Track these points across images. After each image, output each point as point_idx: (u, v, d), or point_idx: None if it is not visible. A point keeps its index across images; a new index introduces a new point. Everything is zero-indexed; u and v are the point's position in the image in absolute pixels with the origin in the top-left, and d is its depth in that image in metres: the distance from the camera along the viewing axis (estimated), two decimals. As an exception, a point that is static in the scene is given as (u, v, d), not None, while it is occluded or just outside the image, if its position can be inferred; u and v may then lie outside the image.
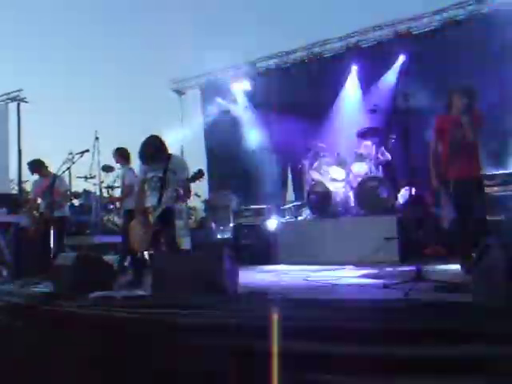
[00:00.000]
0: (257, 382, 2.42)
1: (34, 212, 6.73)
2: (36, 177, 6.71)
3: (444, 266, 4.93)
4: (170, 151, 4.79)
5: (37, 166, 6.55)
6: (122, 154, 6.19)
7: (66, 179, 7.19)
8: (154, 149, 4.65)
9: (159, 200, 4.64)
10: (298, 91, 9.34)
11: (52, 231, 6.18)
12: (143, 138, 4.68)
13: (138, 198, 4.86)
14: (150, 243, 4.68)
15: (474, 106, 4.42)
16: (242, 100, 10.44)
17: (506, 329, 2.21)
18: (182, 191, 4.66)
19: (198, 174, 4.49)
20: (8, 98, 10.64)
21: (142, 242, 4.70)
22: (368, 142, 7.64)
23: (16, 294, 4.22)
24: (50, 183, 6.23)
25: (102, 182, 9.52)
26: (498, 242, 2.65)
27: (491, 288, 2.71)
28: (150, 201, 4.72)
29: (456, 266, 4.43)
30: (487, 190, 5.97)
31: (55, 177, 6.30)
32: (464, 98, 4.40)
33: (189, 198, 5.28)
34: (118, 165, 6.55)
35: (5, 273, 5.73)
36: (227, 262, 3.69)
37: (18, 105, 10.60)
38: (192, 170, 4.65)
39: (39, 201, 6.68)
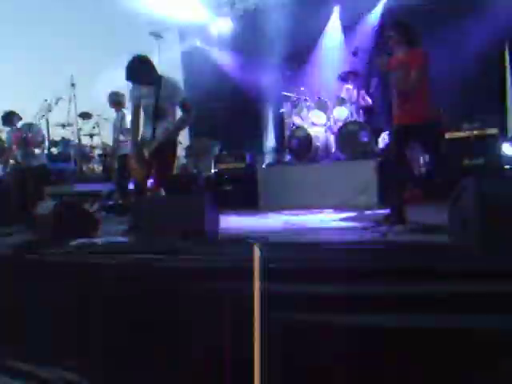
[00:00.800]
0: (240, 325, 2.48)
1: (11, 161, 6.63)
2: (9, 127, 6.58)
3: (421, 208, 5.01)
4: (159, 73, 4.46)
5: (10, 117, 6.41)
6: (116, 99, 6.06)
7: (43, 127, 7.05)
8: (141, 67, 4.34)
9: (153, 133, 4.37)
10: (279, 34, 9.12)
11: (30, 180, 6.12)
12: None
13: (133, 128, 4.54)
14: (144, 178, 4.52)
15: (408, 44, 4.03)
16: (220, 43, 10.18)
17: (479, 267, 2.28)
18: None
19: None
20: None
21: (137, 176, 4.54)
22: (349, 86, 7.57)
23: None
24: (25, 132, 6.11)
25: (80, 130, 9.37)
26: (473, 184, 2.70)
27: (466, 229, 2.78)
28: (146, 132, 4.47)
29: (432, 209, 4.51)
30: (466, 133, 6.03)
31: (30, 126, 6.17)
32: (391, 34, 4.06)
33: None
34: (113, 110, 6.40)
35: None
36: (208, 207, 3.70)
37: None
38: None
39: (15, 150, 6.56)
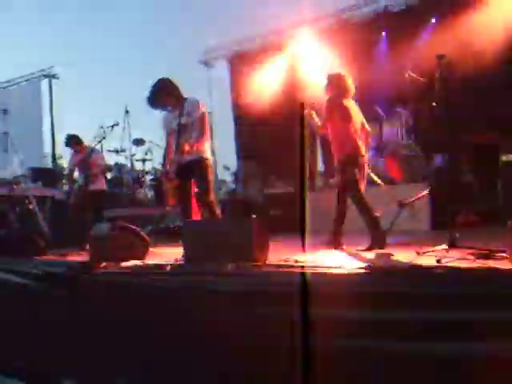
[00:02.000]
0: (290, 350, 2.45)
1: (74, 186, 6.79)
2: (71, 150, 6.81)
3: (475, 232, 4.84)
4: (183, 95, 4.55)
5: (73, 140, 6.63)
6: None
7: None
8: (162, 90, 4.46)
9: (176, 149, 4.44)
10: (326, 58, 9.16)
11: (90, 204, 6.28)
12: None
13: (166, 151, 4.67)
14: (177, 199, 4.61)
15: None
16: (269, 70, 10.31)
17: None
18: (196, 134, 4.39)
19: None
20: (41, 75, 10.83)
21: (170, 198, 4.68)
22: (399, 108, 7.50)
23: (55, 264, 4.35)
24: (87, 156, 6.29)
25: (133, 156, 9.68)
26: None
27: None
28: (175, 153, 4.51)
29: (487, 233, 4.36)
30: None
31: (92, 150, 6.35)
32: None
33: (205, 140, 4.57)
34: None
35: (43, 245, 5.90)
36: (257, 230, 3.71)
37: (50, 81, 10.78)
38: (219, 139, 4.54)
39: (76, 174, 6.76)
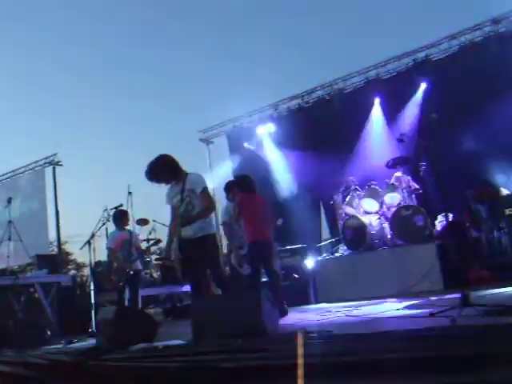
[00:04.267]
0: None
1: (114, 264, 6.57)
2: (112, 229, 6.70)
3: (489, 289, 4.75)
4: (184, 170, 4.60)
5: (123, 216, 6.51)
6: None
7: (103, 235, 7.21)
8: (160, 166, 4.51)
9: (179, 225, 4.44)
10: (323, 128, 9.41)
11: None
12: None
13: (171, 228, 4.65)
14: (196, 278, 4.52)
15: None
16: (268, 142, 10.56)
17: None
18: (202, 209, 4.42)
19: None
20: (45, 163, 11.08)
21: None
22: (398, 172, 7.59)
23: (61, 351, 4.25)
24: (129, 237, 6.26)
25: (138, 235, 9.66)
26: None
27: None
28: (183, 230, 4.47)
29: (501, 289, 4.27)
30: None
31: (131, 232, 6.37)
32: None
33: (212, 210, 4.76)
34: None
35: (48, 332, 5.78)
36: (266, 303, 3.65)
37: (54, 168, 11.00)
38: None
39: (117, 252, 6.51)
